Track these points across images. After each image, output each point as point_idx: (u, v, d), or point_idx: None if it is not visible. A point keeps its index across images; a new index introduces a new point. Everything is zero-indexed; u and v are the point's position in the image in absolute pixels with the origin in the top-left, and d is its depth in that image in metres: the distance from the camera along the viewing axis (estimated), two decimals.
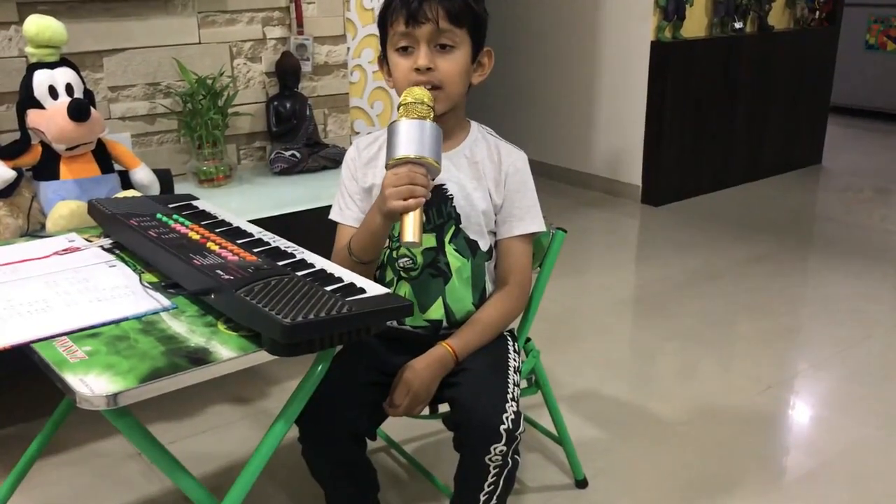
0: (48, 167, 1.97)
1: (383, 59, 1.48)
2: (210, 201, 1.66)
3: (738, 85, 4.35)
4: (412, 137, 1.28)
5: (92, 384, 0.99)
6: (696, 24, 4.16)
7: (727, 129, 4.40)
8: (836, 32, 4.83)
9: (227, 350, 1.08)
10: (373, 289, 1.18)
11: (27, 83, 1.95)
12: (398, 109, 1.33)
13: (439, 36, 1.39)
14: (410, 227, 1.27)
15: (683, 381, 2.42)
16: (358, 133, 2.99)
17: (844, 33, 4.96)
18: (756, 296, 3.04)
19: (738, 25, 4.30)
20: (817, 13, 4.69)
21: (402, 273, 1.50)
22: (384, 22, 1.44)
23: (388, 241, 1.48)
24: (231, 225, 1.48)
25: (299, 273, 1.22)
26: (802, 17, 4.67)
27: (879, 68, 6.17)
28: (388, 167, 1.30)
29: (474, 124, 1.55)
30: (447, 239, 1.48)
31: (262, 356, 1.09)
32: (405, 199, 1.27)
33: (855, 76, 6.13)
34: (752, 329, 2.79)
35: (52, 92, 1.94)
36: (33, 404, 2.22)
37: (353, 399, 1.43)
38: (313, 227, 1.78)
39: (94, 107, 1.98)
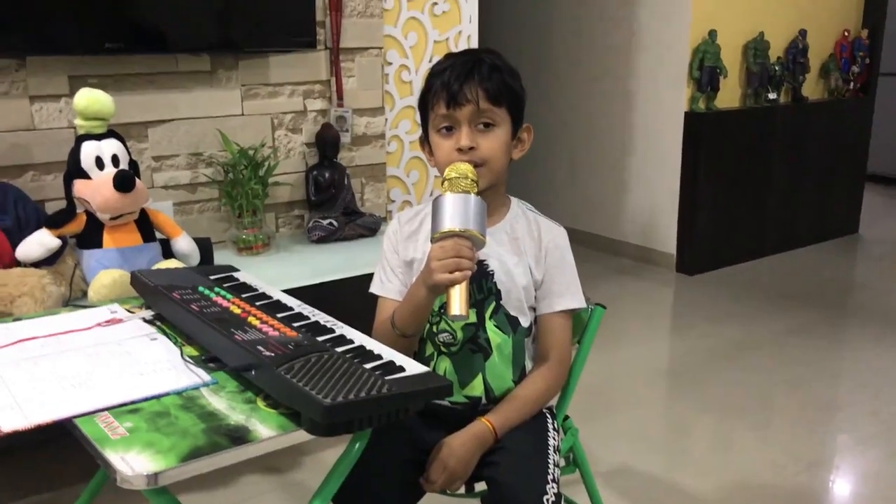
0: (92, 236, 2.01)
1: (424, 140, 1.51)
2: (249, 270, 1.68)
3: (772, 155, 4.35)
4: (457, 211, 1.29)
5: (133, 462, 0.99)
6: (729, 94, 4.18)
7: (762, 198, 4.38)
8: (870, 102, 4.83)
9: (266, 428, 1.08)
10: (412, 367, 1.18)
11: (75, 154, 2.00)
12: (442, 184, 1.34)
13: (480, 116, 1.41)
14: (457, 301, 1.27)
15: (720, 455, 2.37)
16: (394, 201, 3.03)
17: (880, 102, 4.95)
18: (794, 368, 2.99)
19: (772, 96, 4.31)
20: (851, 84, 4.69)
21: (441, 348, 1.49)
22: (425, 104, 1.47)
23: (429, 315, 1.48)
24: (271, 298, 1.49)
25: (339, 349, 1.22)
26: (837, 88, 4.68)
27: None
28: (433, 240, 1.30)
29: (514, 200, 1.56)
30: (488, 315, 1.48)
31: (302, 436, 1.08)
32: (451, 272, 1.27)
33: (892, 145, 6.09)
34: (791, 403, 2.73)
35: (99, 163, 1.99)
36: (69, 470, 2.22)
37: (390, 477, 1.41)
38: (350, 296, 1.79)
39: (139, 177, 2.02)
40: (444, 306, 1.30)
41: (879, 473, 2.29)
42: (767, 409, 2.69)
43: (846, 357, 3.17)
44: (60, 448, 2.23)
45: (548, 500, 1.29)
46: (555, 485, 1.34)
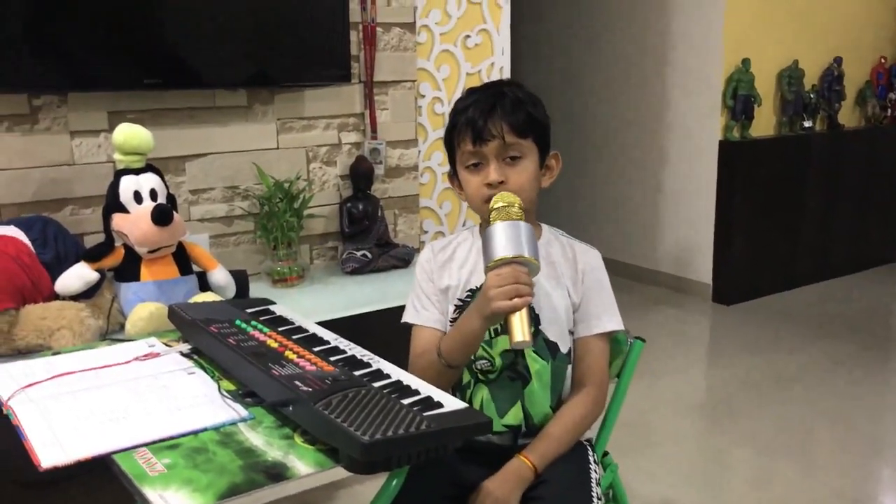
0: (129, 269, 2.03)
1: (453, 176, 1.51)
2: (283, 301, 1.68)
3: (808, 183, 4.30)
4: (510, 238, 1.28)
5: (171, 500, 0.98)
6: (764, 123, 4.15)
7: (798, 227, 4.32)
8: None
9: (304, 465, 1.07)
10: (451, 403, 1.17)
11: (114, 188, 2.03)
12: (490, 215, 1.34)
13: (507, 150, 1.41)
14: (519, 327, 1.26)
15: (760, 491, 2.31)
16: (426, 232, 3.03)
17: None
18: (835, 401, 2.92)
19: (807, 124, 4.27)
20: (889, 111, 4.64)
21: (479, 375, 1.48)
22: (451, 142, 1.48)
23: None
24: (308, 331, 1.49)
25: (376, 384, 1.21)
26: (874, 115, 4.62)
27: None
28: (487, 270, 1.30)
29: (545, 226, 1.55)
30: None
31: (340, 472, 1.07)
32: (511, 299, 1.26)
33: None
34: (833, 437, 2.66)
35: (137, 197, 2.01)
36: (101, 501, 2.22)
37: None
38: (383, 328, 1.78)
39: (177, 210, 2.04)
40: (499, 334, 1.27)
41: None
42: (808, 444, 2.63)
43: (888, 390, 3.09)
44: (93, 479, 2.23)
45: None
46: None
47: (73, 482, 2.27)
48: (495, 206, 1.33)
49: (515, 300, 1.25)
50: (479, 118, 1.40)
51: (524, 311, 1.26)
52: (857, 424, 2.74)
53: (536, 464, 1.39)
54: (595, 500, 1.37)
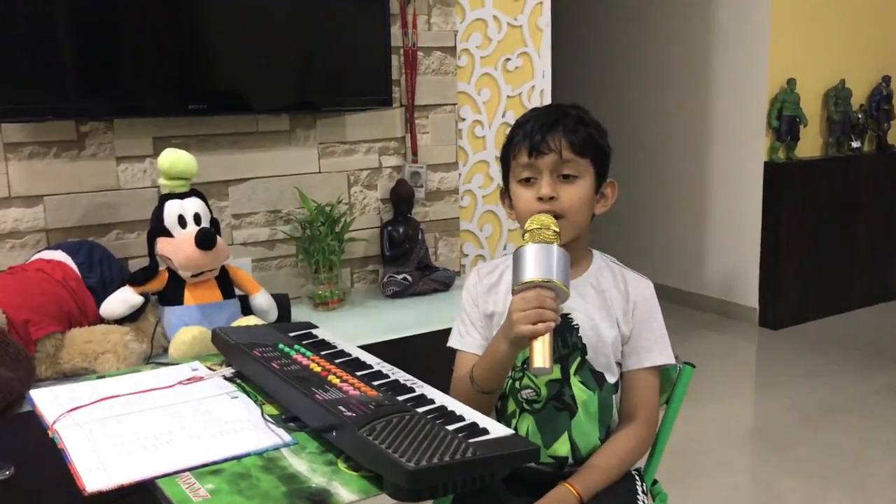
0: (173, 293, 2.04)
1: (505, 193, 1.48)
2: (324, 325, 1.67)
3: (857, 204, 4.21)
4: (539, 261, 1.25)
5: None
6: (810, 144, 4.08)
7: (848, 249, 4.23)
8: None
9: (347, 492, 1.05)
10: (496, 430, 1.14)
11: (158, 213, 2.04)
12: (523, 236, 1.31)
13: (562, 166, 1.38)
14: (540, 354, 1.22)
15: None
16: (467, 255, 3.01)
17: None
18: (889, 430, 2.83)
19: (855, 145, 4.19)
20: None
21: (524, 405, 1.45)
22: (507, 155, 1.45)
23: (511, 370, 1.44)
24: (350, 355, 1.48)
25: (420, 410, 1.19)
26: None
27: None
28: (514, 292, 1.27)
29: (597, 253, 1.52)
30: (572, 370, 1.43)
31: (384, 500, 1.05)
32: (534, 324, 1.23)
33: None
34: (888, 468, 2.57)
35: (181, 221, 2.03)
36: None
37: None
38: (425, 352, 1.77)
39: (220, 234, 2.05)
40: (528, 360, 1.26)
41: None
42: (862, 474, 2.54)
43: None
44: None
45: None
46: None
47: None
48: (529, 228, 1.30)
49: (539, 325, 1.22)
50: (538, 132, 1.38)
51: (547, 337, 1.22)
52: None
53: (581, 492, 1.36)
54: None
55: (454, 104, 2.83)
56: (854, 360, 3.54)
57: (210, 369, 1.54)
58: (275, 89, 2.42)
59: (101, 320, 2.00)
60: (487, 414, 1.43)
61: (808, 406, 3.06)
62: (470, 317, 1.52)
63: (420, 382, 1.34)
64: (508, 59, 2.98)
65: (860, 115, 4.18)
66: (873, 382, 3.27)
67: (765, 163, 3.95)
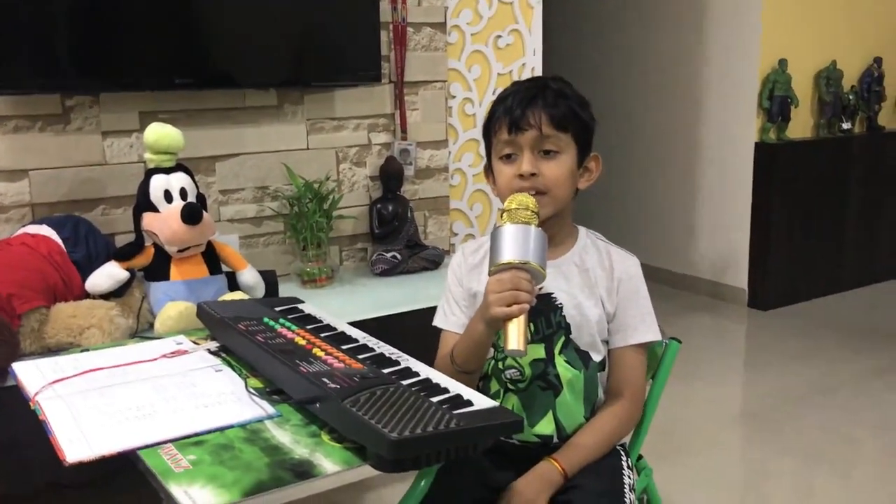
0: (159, 268, 2.02)
1: (488, 169, 1.47)
2: (312, 302, 1.66)
3: (848, 186, 4.21)
4: (516, 242, 1.24)
5: (196, 496, 0.96)
6: (801, 125, 4.07)
7: (838, 230, 4.23)
8: None
9: (330, 463, 1.04)
10: (481, 402, 1.14)
11: (144, 187, 2.02)
12: (501, 216, 1.30)
13: (543, 142, 1.37)
14: (514, 335, 1.22)
15: (799, 499, 2.24)
16: (457, 234, 3.00)
17: None
18: (879, 411, 2.84)
19: (846, 126, 4.18)
20: None
21: (509, 385, 1.44)
22: (488, 132, 1.44)
23: (494, 351, 1.44)
24: (336, 329, 1.47)
25: (405, 382, 1.19)
26: None
27: None
28: (491, 273, 1.26)
29: (582, 230, 1.50)
30: (557, 350, 1.42)
31: (367, 471, 1.05)
32: (508, 306, 1.22)
33: None
34: (877, 448, 2.58)
35: (167, 196, 2.01)
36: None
37: None
38: (413, 329, 1.76)
39: (206, 210, 2.04)
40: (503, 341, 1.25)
41: None
42: (851, 455, 2.55)
43: None
44: (127, 482, 2.23)
45: None
46: None
47: (107, 486, 2.27)
48: (508, 208, 1.28)
49: (513, 307, 1.21)
50: (518, 107, 1.36)
51: (521, 319, 1.22)
52: None
53: (566, 468, 1.35)
54: None
55: (444, 81, 2.82)
56: (843, 341, 3.55)
57: (195, 343, 1.53)
58: (263, 64, 2.40)
59: (87, 295, 1.98)
60: None
61: (797, 386, 3.07)
62: (454, 296, 1.51)
63: (405, 356, 1.33)
64: (499, 37, 2.96)
65: (851, 97, 4.17)
66: (861, 363, 3.28)
67: (755, 143, 3.94)
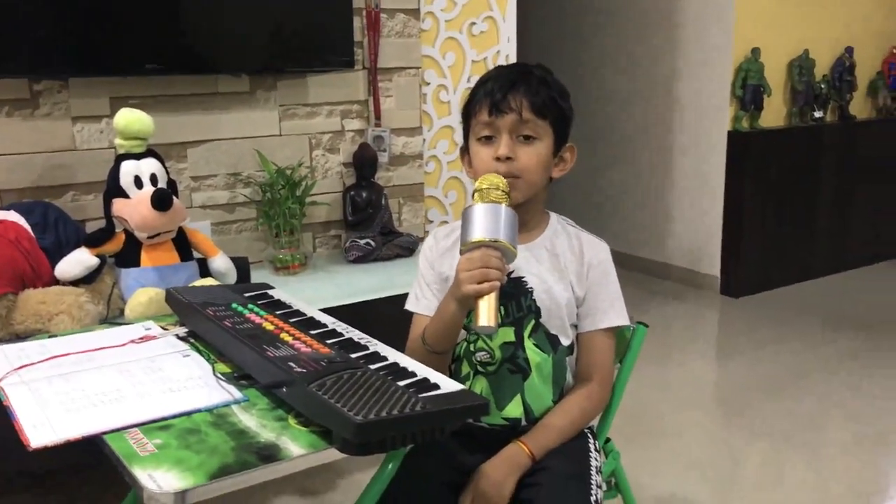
0: (130, 255, 2.01)
1: (465, 151, 1.48)
2: (285, 289, 1.66)
3: (819, 174, 4.25)
4: (487, 221, 1.25)
5: (160, 480, 0.96)
6: (774, 113, 4.11)
7: (810, 218, 4.28)
8: None
9: (297, 447, 1.05)
10: (447, 385, 1.14)
11: (114, 173, 2.01)
12: (473, 196, 1.31)
13: (522, 126, 1.38)
14: (485, 313, 1.23)
15: (772, 487, 2.28)
16: (431, 222, 3.00)
17: None
18: (848, 396, 2.88)
19: (818, 115, 4.22)
20: None
21: (479, 367, 1.45)
22: (468, 113, 1.44)
23: (465, 332, 1.45)
24: (305, 315, 1.47)
25: (372, 366, 1.19)
26: (885, 107, 4.57)
27: None
28: (462, 252, 1.27)
29: (553, 215, 1.52)
30: (527, 333, 1.43)
31: (332, 454, 1.05)
32: (479, 283, 1.23)
33: None
34: (846, 433, 2.62)
35: (138, 182, 2.00)
36: (99, 493, 2.22)
37: (426, 500, 1.37)
38: (387, 316, 1.76)
39: (177, 196, 2.02)
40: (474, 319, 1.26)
41: None
42: (821, 439, 2.58)
43: None
44: (99, 473, 2.22)
45: None
46: None
47: (76, 476, 2.26)
48: (479, 188, 1.30)
49: (483, 284, 1.23)
50: (499, 91, 1.37)
51: (492, 297, 1.23)
52: (871, 419, 2.70)
53: (534, 450, 1.37)
54: (594, 487, 1.34)
55: (418, 68, 2.81)
56: (814, 327, 3.60)
57: (163, 329, 1.53)
58: (235, 49, 2.38)
59: (56, 282, 1.97)
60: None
61: (768, 372, 3.11)
62: (426, 279, 1.52)
63: (374, 341, 1.34)
64: (473, 24, 2.96)
65: (823, 86, 4.21)
66: (832, 349, 3.33)
67: (728, 132, 3.97)
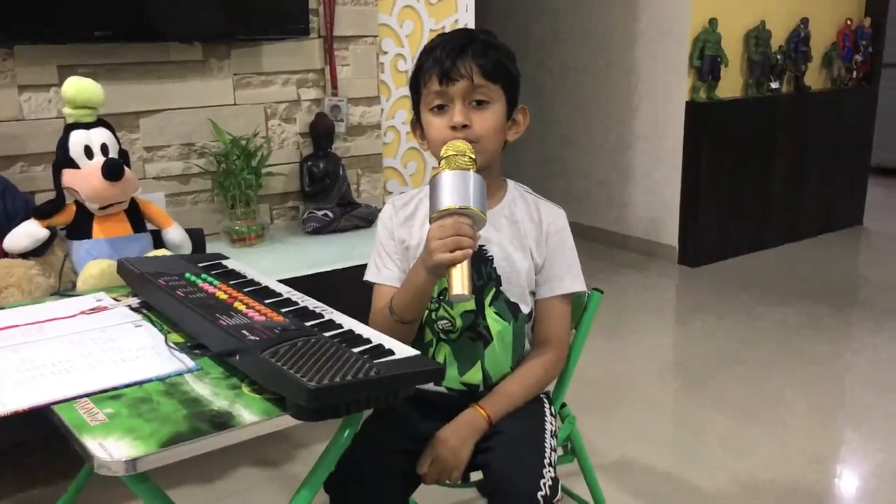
0: (81, 226, 1.97)
1: (416, 122, 1.47)
2: (242, 260, 1.64)
3: (775, 145, 4.31)
4: (456, 188, 1.24)
5: (111, 449, 0.95)
6: (731, 84, 4.14)
7: (765, 189, 4.33)
8: (874, 92, 4.78)
9: (250, 414, 1.04)
10: (402, 350, 1.14)
11: (63, 143, 1.97)
12: (439, 163, 1.30)
13: (474, 92, 1.37)
14: (458, 280, 1.22)
15: (728, 452, 2.32)
16: (390, 192, 2.99)
17: (883, 94, 4.90)
18: (802, 362, 2.94)
19: (774, 86, 4.27)
20: (855, 73, 4.65)
21: (441, 335, 1.46)
22: (417, 83, 1.43)
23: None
24: (260, 284, 1.46)
25: (326, 334, 1.19)
26: (840, 77, 4.63)
27: None
28: (432, 220, 1.26)
29: (511, 183, 1.52)
30: (487, 301, 1.44)
31: (287, 421, 1.05)
32: (452, 252, 1.23)
33: (895, 137, 6.03)
34: (799, 397, 2.68)
35: (88, 152, 1.96)
36: (56, 467, 2.19)
37: (384, 467, 1.37)
38: (345, 287, 1.75)
39: (129, 167, 1.99)
40: (445, 291, 1.26)
41: (887, 466, 2.25)
42: (776, 405, 2.63)
43: (855, 350, 3.12)
44: (54, 443, 2.20)
45: (545, 483, 1.26)
46: (552, 469, 1.30)
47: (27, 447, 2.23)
48: (445, 155, 1.29)
49: (456, 252, 1.22)
50: (448, 58, 1.36)
51: (465, 265, 1.23)
52: (824, 384, 2.76)
53: (491, 414, 1.38)
54: (548, 451, 1.35)
55: (375, 36, 2.78)
56: (769, 295, 3.66)
57: (115, 300, 1.50)
58: (187, 17, 2.34)
59: (5, 255, 1.93)
60: (406, 344, 1.45)
61: (724, 340, 3.16)
62: (386, 249, 1.51)
63: (329, 309, 1.33)
64: None
65: (779, 57, 4.25)
66: (786, 317, 3.39)
67: (686, 102, 3.99)
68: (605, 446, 2.31)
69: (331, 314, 1.30)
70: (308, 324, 1.23)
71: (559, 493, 1.28)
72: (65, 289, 1.93)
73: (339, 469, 1.16)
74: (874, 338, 3.18)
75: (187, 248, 2.12)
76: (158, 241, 2.09)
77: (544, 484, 1.26)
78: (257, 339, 1.12)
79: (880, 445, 2.35)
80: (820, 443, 2.37)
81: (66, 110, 1.99)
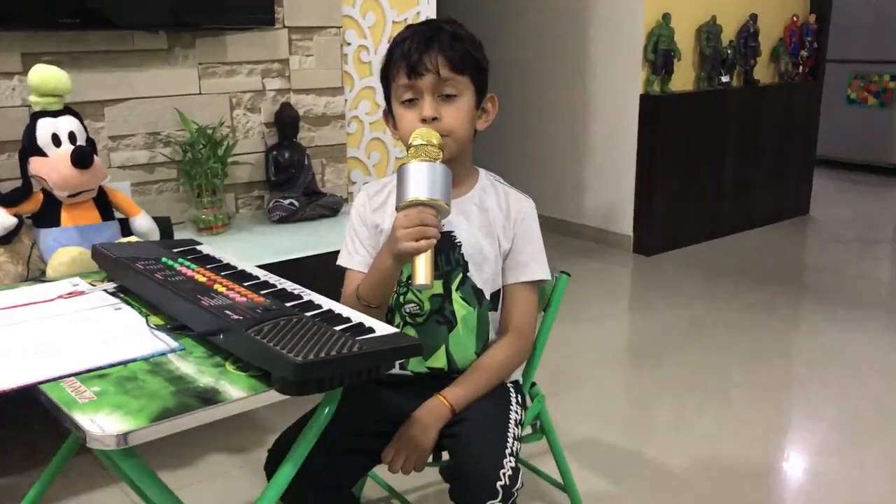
0: (49, 214, 1.98)
1: (388, 113, 1.50)
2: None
3: (726, 137, 4.43)
4: (422, 180, 1.28)
5: (102, 423, 0.98)
6: (684, 77, 4.25)
7: (717, 180, 4.45)
8: (819, 87, 4.93)
9: (236, 390, 1.07)
10: (382, 328, 1.18)
11: (30, 131, 1.96)
12: (408, 150, 1.34)
13: (442, 85, 1.40)
14: (422, 270, 1.27)
15: (682, 431, 2.41)
16: (354, 183, 3.02)
17: (827, 88, 5.07)
18: (750, 345, 3.05)
19: (724, 79, 4.39)
20: (801, 68, 4.79)
21: (408, 318, 1.50)
22: (387, 76, 1.46)
23: (396, 286, 1.48)
24: (236, 268, 1.48)
25: (308, 314, 1.22)
26: (787, 72, 4.77)
27: (861, 122, 6.29)
28: (398, 209, 1.30)
29: (482, 171, 1.56)
30: (454, 286, 1.48)
31: (273, 396, 1.08)
32: (416, 241, 1.27)
33: (838, 130, 6.23)
34: (748, 378, 2.79)
35: (55, 140, 1.96)
36: (32, 453, 2.19)
37: (349, 446, 1.41)
38: (312, 275, 1.79)
39: (97, 154, 1.99)
40: (411, 276, 1.30)
41: (829, 441, 2.36)
42: (726, 385, 2.74)
43: (801, 332, 3.25)
44: (28, 430, 2.19)
45: (504, 473, 1.28)
46: (513, 458, 1.32)
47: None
48: (413, 143, 1.33)
49: (421, 242, 1.26)
50: (415, 51, 1.38)
51: (428, 254, 1.27)
52: (771, 365, 2.87)
53: (453, 403, 1.41)
54: (511, 440, 1.37)
55: (339, 27, 2.81)
56: (719, 282, 3.78)
57: (91, 285, 1.52)
58: (151, 5, 2.34)
59: None
60: None
61: (677, 325, 3.26)
62: (359, 235, 1.54)
63: (307, 291, 1.36)
64: None
65: (729, 51, 4.36)
66: (736, 302, 3.50)
67: (640, 95, 4.09)
68: (564, 426, 2.37)
69: (309, 295, 1.33)
70: (288, 304, 1.27)
71: (519, 482, 1.29)
72: (33, 276, 1.94)
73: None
74: (820, 320, 3.31)
75: (155, 236, 2.14)
76: (126, 230, 2.10)
77: (504, 473, 1.28)
78: (241, 318, 1.16)
79: (822, 422, 2.46)
80: (766, 419, 2.47)
81: (33, 98, 1.98)
